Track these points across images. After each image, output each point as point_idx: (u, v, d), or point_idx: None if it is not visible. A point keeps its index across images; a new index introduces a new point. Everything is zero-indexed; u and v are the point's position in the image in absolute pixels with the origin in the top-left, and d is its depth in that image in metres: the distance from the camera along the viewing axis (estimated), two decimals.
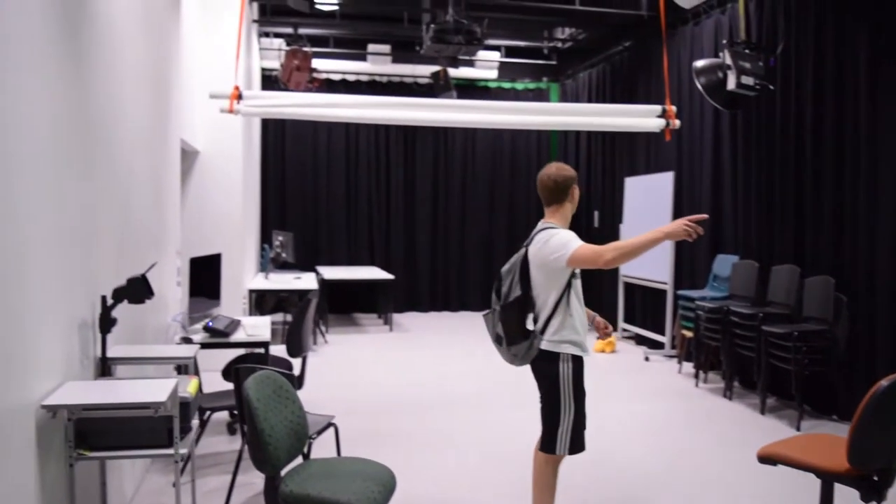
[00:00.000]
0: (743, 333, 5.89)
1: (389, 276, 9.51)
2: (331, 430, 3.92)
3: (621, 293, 8.90)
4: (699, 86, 5.42)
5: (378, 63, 10.61)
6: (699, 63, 5.52)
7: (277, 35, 9.74)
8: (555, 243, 3.12)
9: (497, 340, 3.29)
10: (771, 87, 5.63)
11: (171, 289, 5.28)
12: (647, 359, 7.75)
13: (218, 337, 4.82)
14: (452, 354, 8.01)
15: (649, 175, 8.30)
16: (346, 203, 11.06)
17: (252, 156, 9.04)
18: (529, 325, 3.31)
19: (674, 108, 4.93)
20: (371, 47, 10.34)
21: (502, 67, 10.91)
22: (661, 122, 4.90)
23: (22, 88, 2.40)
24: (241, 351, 5.16)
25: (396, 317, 10.45)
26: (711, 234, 7.24)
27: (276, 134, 10.86)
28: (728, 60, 5.22)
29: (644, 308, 8.58)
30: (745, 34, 5.89)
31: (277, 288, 8.39)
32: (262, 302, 9.10)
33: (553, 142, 11.30)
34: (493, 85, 11.29)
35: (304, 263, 10.49)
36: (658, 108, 4.90)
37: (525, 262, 3.26)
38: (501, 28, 9.87)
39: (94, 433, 2.83)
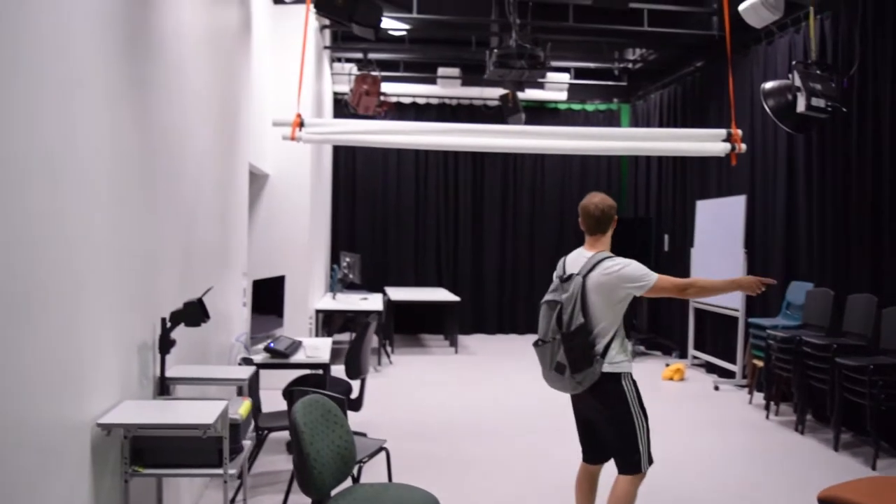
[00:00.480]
0: (816, 365, 5.64)
1: (456, 298, 9.54)
2: (384, 454, 3.95)
3: (692, 319, 8.67)
4: (767, 108, 5.26)
5: (447, 86, 10.72)
6: (767, 85, 5.36)
7: (349, 60, 9.96)
8: (631, 273, 3.24)
9: (558, 369, 3.32)
10: (844, 109, 5.42)
11: (237, 309, 5.43)
12: (716, 388, 7.51)
13: (278, 358, 4.93)
14: (516, 378, 7.94)
15: (721, 198, 8.09)
16: (414, 225, 11.17)
17: (322, 178, 9.25)
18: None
19: (739, 131, 4.78)
20: (441, 70, 10.46)
21: (572, 89, 10.86)
22: (727, 147, 4.77)
23: (81, 113, 2.53)
24: (303, 371, 5.26)
25: (462, 339, 10.46)
26: (785, 260, 6.99)
27: (347, 157, 11.08)
28: (797, 82, 5.05)
29: (715, 335, 8.32)
30: (816, 54, 5.69)
31: (344, 308, 8.53)
32: (329, 322, 9.26)
33: (623, 164, 11.16)
34: (562, 107, 11.24)
35: (373, 284, 10.63)
36: (723, 132, 4.77)
37: (584, 290, 3.28)
38: (570, 50, 9.85)
39: (150, 451, 2.93)
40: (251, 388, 4.23)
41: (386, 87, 9.85)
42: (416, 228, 11.19)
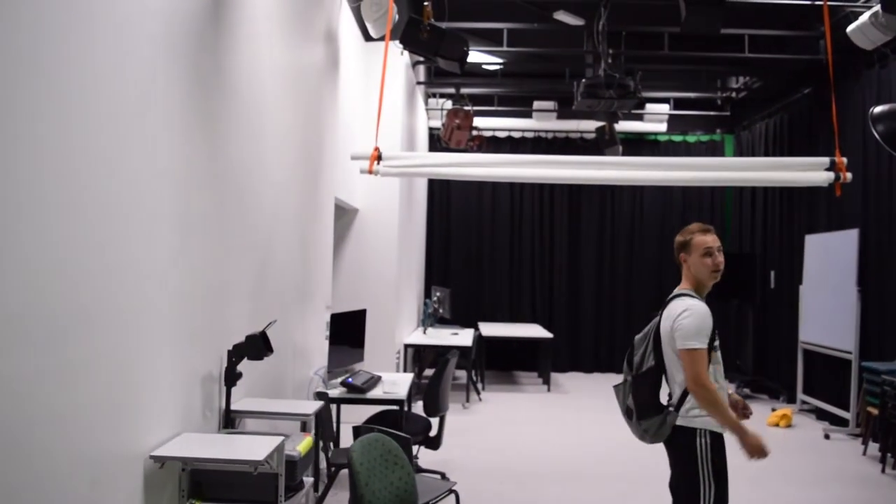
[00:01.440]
0: None
1: (549, 335, 9.31)
2: (452, 497, 3.81)
3: (800, 361, 8.09)
4: (875, 133, 4.86)
5: (543, 119, 10.61)
6: (876, 109, 4.96)
7: (443, 95, 10.03)
8: (685, 327, 2.88)
9: (627, 414, 3.12)
10: None
11: (318, 343, 5.44)
12: (826, 436, 6.93)
13: (354, 392, 4.89)
14: (608, 419, 7.60)
15: (832, 233, 7.56)
16: (509, 259, 11.06)
17: (415, 213, 9.29)
18: (663, 399, 3.05)
19: (844, 160, 4.44)
20: (536, 104, 10.37)
21: (672, 120, 10.52)
22: (830, 176, 4.43)
23: (148, 149, 2.57)
24: (384, 406, 5.20)
25: (556, 376, 10.18)
26: None
27: (441, 191, 11.12)
28: None
29: (826, 379, 7.72)
30: None
31: (434, 343, 8.45)
32: (420, 357, 9.22)
33: (728, 197, 10.66)
34: (662, 138, 10.90)
35: (466, 319, 10.54)
36: (826, 160, 4.44)
37: (658, 331, 3.04)
38: (668, 79, 9.56)
39: (208, 484, 2.91)
40: (323, 423, 4.20)
41: (480, 122, 9.85)
42: (510, 263, 11.07)
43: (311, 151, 5.03)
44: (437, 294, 8.86)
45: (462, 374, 8.61)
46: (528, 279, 11.03)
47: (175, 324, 2.87)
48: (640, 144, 10.77)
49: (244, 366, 3.30)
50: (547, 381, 9.56)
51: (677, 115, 10.28)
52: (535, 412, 7.98)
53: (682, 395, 2.95)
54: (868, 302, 6.94)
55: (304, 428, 3.97)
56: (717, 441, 2.92)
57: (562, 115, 10.43)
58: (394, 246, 7.34)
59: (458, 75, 8.50)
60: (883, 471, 5.76)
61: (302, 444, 3.19)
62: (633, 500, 4.98)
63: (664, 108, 10.18)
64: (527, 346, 10.39)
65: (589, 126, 10.07)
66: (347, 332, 5.45)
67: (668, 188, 10.78)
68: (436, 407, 5.16)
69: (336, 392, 4.94)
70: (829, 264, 7.49)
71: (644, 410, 3.01)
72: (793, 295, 8.33)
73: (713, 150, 10.82)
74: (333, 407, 4.98)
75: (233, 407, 3.36)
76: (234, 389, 3.31)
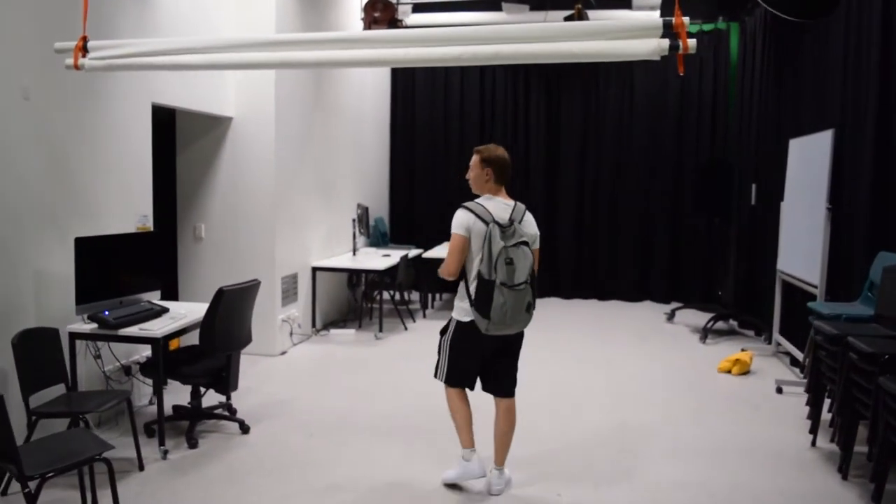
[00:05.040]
0: (860, 382, 3.77)
1: None
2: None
3: (778, 294, 6.63)
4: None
5: (514, 13, 9.10)
6: None
7: None
8: (536, 230, 3.65)
9: (528, 309, 3.46)
10: None
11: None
12: (779, 390, 5.60)
13: (106, 328, 4.12)
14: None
15: (810, 136, 5.98)
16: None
17: (350, 113, 8.22)
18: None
19: (686, 20, 3.06)
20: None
21: (665, 6, 8.78)
22: (663, 45, 3.06)
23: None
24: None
25: None
26: (872, 221, 4.94)
27: (406, 87, 9.93)
28: None
29: (804, 317, 6.28)
30: None
31: (356, 267, 7.44)
32: (351, 281, 8.30)
33: (731, 93, 8.88)
34: None
35: (428, 239, 9.52)
36: (658, 21, 3.06)
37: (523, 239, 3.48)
38: None
39: None
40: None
41: (424, 18, 8.52)
42: None
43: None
44: (358, 211, 7.79)
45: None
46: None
47: None
48: None
49: None
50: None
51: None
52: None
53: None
54: (838, 226, 5.45)
55: None
56: None
57: (535, 6, 8.91)
58: (270, 157, 6.30)
59: None
60: (814, 444, 4.46)
61: None
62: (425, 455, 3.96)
63: None
64: None
65: (560, 17, 8.54)
66: (130, 256, 4.53)
67: (662, 93, 9.19)
68: (211, 343, 4.24)
69: (77, 327, 4.12)
70: (806, 175, 5.96)
71: (534, 303, 3.51)
72: (775, 213, 6.81)
73: (718, 41, 9.06)
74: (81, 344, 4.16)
75: None
76: None
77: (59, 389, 3.95)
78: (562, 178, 9.62)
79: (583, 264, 9.65)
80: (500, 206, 3.52)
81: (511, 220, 3.45)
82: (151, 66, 3.57)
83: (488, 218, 3.43)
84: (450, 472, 3.79)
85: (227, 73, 6.21)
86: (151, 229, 5.11)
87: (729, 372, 6.08)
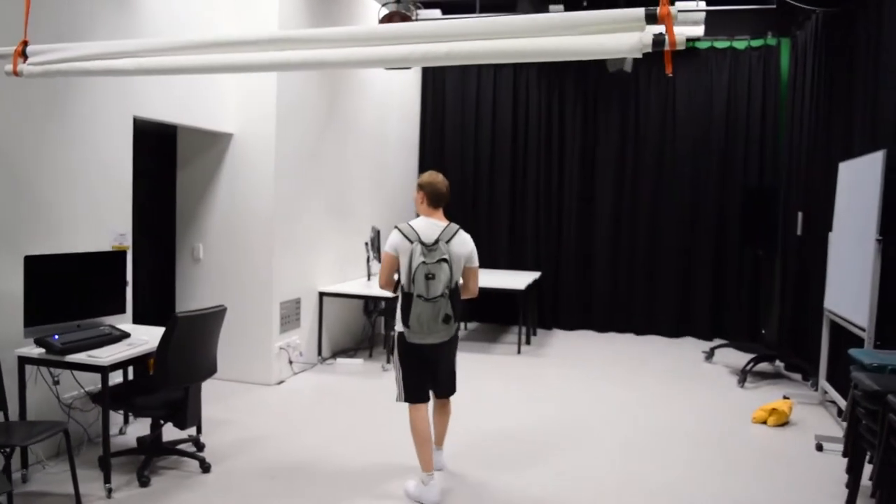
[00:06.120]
0: None
1: (520, 287, 7.57)
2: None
3: (825, 335, 5.93)
4: None
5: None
6: None
7: None
8: (474, 252, 3.95)
9: (445, 320, 3.71)
10: None
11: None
12: (819, 447, 4.91)
13: (53, 354, 3.80)
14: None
15: (861, 157, 5.32)
16: (510, 190, 9.31)
17: (367, 123, 7.86)
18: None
19: (673, 9, 2.56)
20: (552, 7, 8.39)
21: (711, 21, 8.21)
22: (646, 39, 2.57)
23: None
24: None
25: (552, 335, 8.48)
26: None
27: (436, 102, 9.54)
28: None
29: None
30: None
31: (365, 294, 7.04)
32: (367, 307, 7.90)
33: (781, 113, 8.19)
34: (702, 45, 8.62)
35: None
36: (640, 11, 2.57)
37: (451, 256, 3.77)
38: None
39: None
40: None
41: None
42: (512, 197, 9.31)
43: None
44: (371, 234, 7.37)
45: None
46: (533, 222, 9.22)
47: None
48: (673, 55, 8.52)
49: None
50: (525, 341, 7.91)
51: (716, 13, 7.97)
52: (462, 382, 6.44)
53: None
54: (893, 257, 4.78)
55: None
56: None
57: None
58: (269, 176, 5.97)
59: None
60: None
61: None
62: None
63: (699, 6, 7.92)
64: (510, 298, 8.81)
65: None
66: (89, 277, 4.22)
67: (706, 112, 8.56)
68: (164, 375, 3.87)
69: (27, 351, 3.82)
70: (855, 203, 5.30)
71: (457, 315, 3.78)
72: (823, 244, 6.13)
73: (768, 57, 8.40)
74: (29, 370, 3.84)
75: None
76: None
77: None
78: (598, 206, 9.04)
79: (619, 296, 9.02)
80: (430, 225, 3.84)
81: (437, 240, 3.75)
82: (98, 70, 3.24)
83: (413, 237, 3.76)
84: (410, 485, 3.90)
85: (228, 86, 5.93)
86: (129, 248, 4.82)
87: (764, 423, 5.41)
